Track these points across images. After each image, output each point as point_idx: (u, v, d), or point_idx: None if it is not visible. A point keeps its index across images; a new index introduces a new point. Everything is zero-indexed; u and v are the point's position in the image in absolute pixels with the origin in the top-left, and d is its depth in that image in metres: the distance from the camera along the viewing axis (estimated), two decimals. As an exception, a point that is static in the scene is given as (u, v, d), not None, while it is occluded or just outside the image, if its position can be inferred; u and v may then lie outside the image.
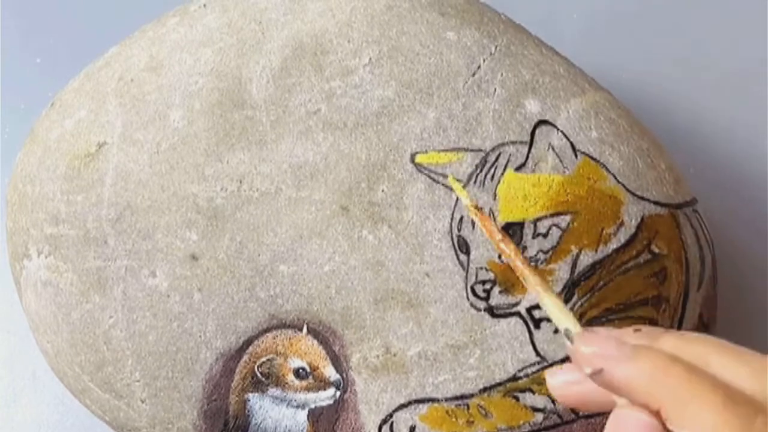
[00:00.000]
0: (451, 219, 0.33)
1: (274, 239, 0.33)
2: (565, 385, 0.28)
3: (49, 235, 0.34)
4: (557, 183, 0.33)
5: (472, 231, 0.33)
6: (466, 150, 0.33)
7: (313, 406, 0.34)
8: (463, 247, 0.33)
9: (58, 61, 0.48)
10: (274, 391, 0.34)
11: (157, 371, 0.33)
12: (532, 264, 0.32)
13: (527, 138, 0.33)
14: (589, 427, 0.33)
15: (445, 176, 0.33)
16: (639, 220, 0.33)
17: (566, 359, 0.33)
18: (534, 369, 0.33)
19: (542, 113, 0.34)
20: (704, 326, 0.35)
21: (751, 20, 0.48)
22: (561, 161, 0.33)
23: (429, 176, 0.33)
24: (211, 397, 0.34)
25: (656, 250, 0.33)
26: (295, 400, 0.34)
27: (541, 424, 0.33)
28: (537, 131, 0.33)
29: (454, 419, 0.33)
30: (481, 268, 0.32)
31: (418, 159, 0.33)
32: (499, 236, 0.31)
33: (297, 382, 0.33)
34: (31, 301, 0.35)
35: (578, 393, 0.27)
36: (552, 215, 0.33)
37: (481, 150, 0.33)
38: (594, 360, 0.26)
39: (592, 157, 0.34)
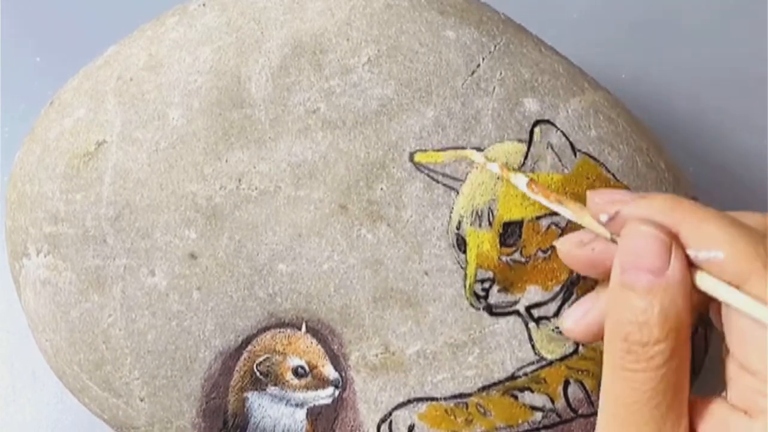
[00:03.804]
0: (450, 217, 0.33)
1: (272, 238, 0.33)
2: (574, 246, 0.29)
3: (48, 233, 0.34)
4: (556, 182, 0.33)
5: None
6: (465, 149, 0.33)
7: (311, 404, 0.34)
8: (461, 245, 0.33)
9: (58, 60, 0.48)
10: (273, 389, 0.34)
11: (156, 370, 0.33)
12: (529, 261, 0.32)
13: (526, 137, 0.33)
14: (587, 426, 0.33)
15: (445, 175, 0.33)
16: (638, 218, 0.33)
17: (565, 358, 0.33)
18: (533, 368, 0.33)
19: (541, 112, 0.34)
20: (704, 324, 0.35)
21: (751, 20, 0.48)
22: (560, 160, 0.33)
23: (428, 175, 0.33)
24: (210, 396, 0.34)
25: (655, 249, 0.33)
26: (294, 399, 0.34)
27: (539, 422, 0.33)
28: (536, 130, 0.33)
29: (452, 418, 0.33)
30: (480, 267, 0.32)
31: (417, 158, 0.33)
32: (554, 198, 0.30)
33: (296, 381, 0.33)
34: (30, 299, 0.35)
35: (587, 255, 0.28)
36: (551, 214, 0.32)
37: (479, 149, 0.33)
38: (608, 206, 0.27)
39: (591, 156, 0.34)
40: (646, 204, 0.26)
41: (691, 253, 0.25)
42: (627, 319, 0.25)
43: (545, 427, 0.33)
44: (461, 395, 0.33)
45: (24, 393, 0.44)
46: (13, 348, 0.44)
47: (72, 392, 0.36)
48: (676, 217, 0.25)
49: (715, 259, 0.25)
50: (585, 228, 0.29)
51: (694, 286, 0.25)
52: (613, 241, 0.27)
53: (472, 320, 0.33)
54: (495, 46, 0.35)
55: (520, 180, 0.31)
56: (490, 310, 0.33)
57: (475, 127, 0.33)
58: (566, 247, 0.29)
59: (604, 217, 0.27)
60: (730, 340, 0.25)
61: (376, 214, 0.33)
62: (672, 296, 0.25)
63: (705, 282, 0.25)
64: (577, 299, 0.33)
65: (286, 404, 0.34)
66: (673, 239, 0.25)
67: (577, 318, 0.29)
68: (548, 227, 0.32)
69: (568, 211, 0.29)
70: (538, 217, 0.32)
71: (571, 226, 0.32)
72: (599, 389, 0.33)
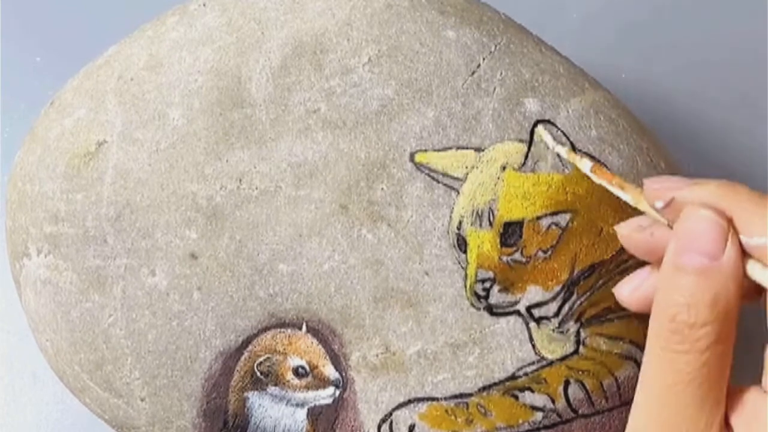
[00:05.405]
0: (450, 218, 0.33)
1: (273, 238, 0.33)
2: (633, 231, 0.29)
3: (48, 233, 0.34)
4: (557, 182, 0.33)
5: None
6: (465, 149, 0.33)
7: (312, 404, 0.34)
8: (462, 245, 0.33)
9: (58, 60, 0.48)
10: (273, 389, 0.34)
11: (156, 370, 0.33)
12: (530, 261, 0.32)
13: (527, 137, 0.33)
14: (588, 426, 0.33)
15: (444, 175, 0.33)
16: (638, 219, 0.33)
17: (565, 358, 0.33)
18: (533, 368, 0.33)
19: (542, 112, 0.34)
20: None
21: (751, 20, 0.48)
22: (561, 160, 0.33)
23: (428, 175, 0.33)
24: (211, 396, 0.34)
25: (656, 249, 0.33)
26: (295, 399, 0.34)
27: (540, 422, 0.33)
28: (536, 130, 0.33)
29: (453, 418, 0.33)
30: (481, 267, 0.32)
31: (418, 158, 0.33)
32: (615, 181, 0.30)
33: (296, 381, 0.33)
34: (31, 299, 0.35)
35: (645, 240, 0.28)
36: (552, 214, 0.33)
37: (480, 149, 0.33)
38: (664, 192, 0.27)
39: (592, 156, 0.34)
40: (701, 189, 0.26)
41: (743, 239, 0.25)
42: (676, 300, 0.25)
43: (546, 427, 0.33)
44: (462, 395, 0.33)
45: (24, 393, 0.44)
46: (13, 348, 0.44)
47: (72, 392, 0.36)
48: (731, 202, 0.25)
49: (766, 246, 0.24)
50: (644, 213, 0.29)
51: (744, 274, 0.25)
52: (671, 227, 0.27)
53: (472, 320, 0.33)
54: (495, 46, 0.35)
55: (585, 164, 0.31)
56: (491, 310, 0.33)
57: (476, 127, 0.33)
58: (626, 231, 0.29)
59: (659, 204, 0.27)
60: None
61: (377, 214, 0.33)
62: (724, 281, 0.25)
63: (755, 270, 0.25)
64: (577, 299, 0.33)
65: (286, 404, 0.34)
66: (729, 224, 0.25)
67: (633, 287, 0.29)
68: (549, 227, 0.32)
69: (628, 196, 0.29)
70: (539, 217, 0.32)
71: (571, 227, 0.32)
72: (600, 389, 0.33)
